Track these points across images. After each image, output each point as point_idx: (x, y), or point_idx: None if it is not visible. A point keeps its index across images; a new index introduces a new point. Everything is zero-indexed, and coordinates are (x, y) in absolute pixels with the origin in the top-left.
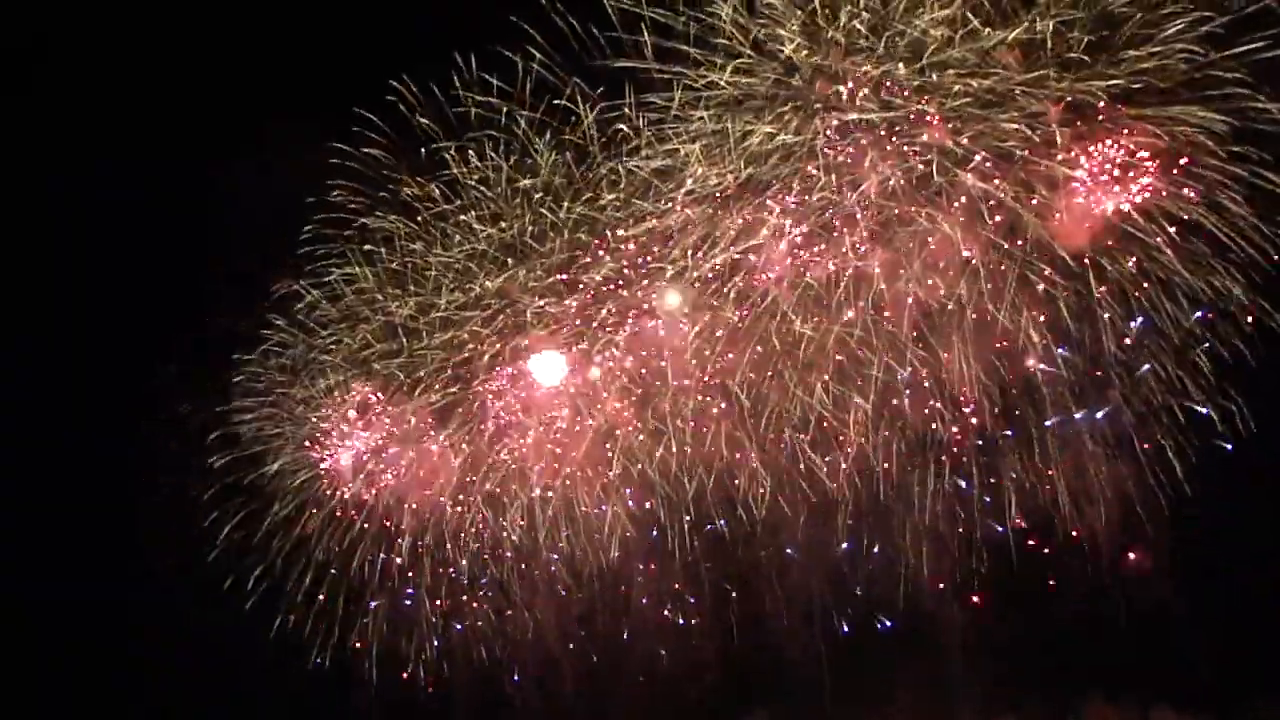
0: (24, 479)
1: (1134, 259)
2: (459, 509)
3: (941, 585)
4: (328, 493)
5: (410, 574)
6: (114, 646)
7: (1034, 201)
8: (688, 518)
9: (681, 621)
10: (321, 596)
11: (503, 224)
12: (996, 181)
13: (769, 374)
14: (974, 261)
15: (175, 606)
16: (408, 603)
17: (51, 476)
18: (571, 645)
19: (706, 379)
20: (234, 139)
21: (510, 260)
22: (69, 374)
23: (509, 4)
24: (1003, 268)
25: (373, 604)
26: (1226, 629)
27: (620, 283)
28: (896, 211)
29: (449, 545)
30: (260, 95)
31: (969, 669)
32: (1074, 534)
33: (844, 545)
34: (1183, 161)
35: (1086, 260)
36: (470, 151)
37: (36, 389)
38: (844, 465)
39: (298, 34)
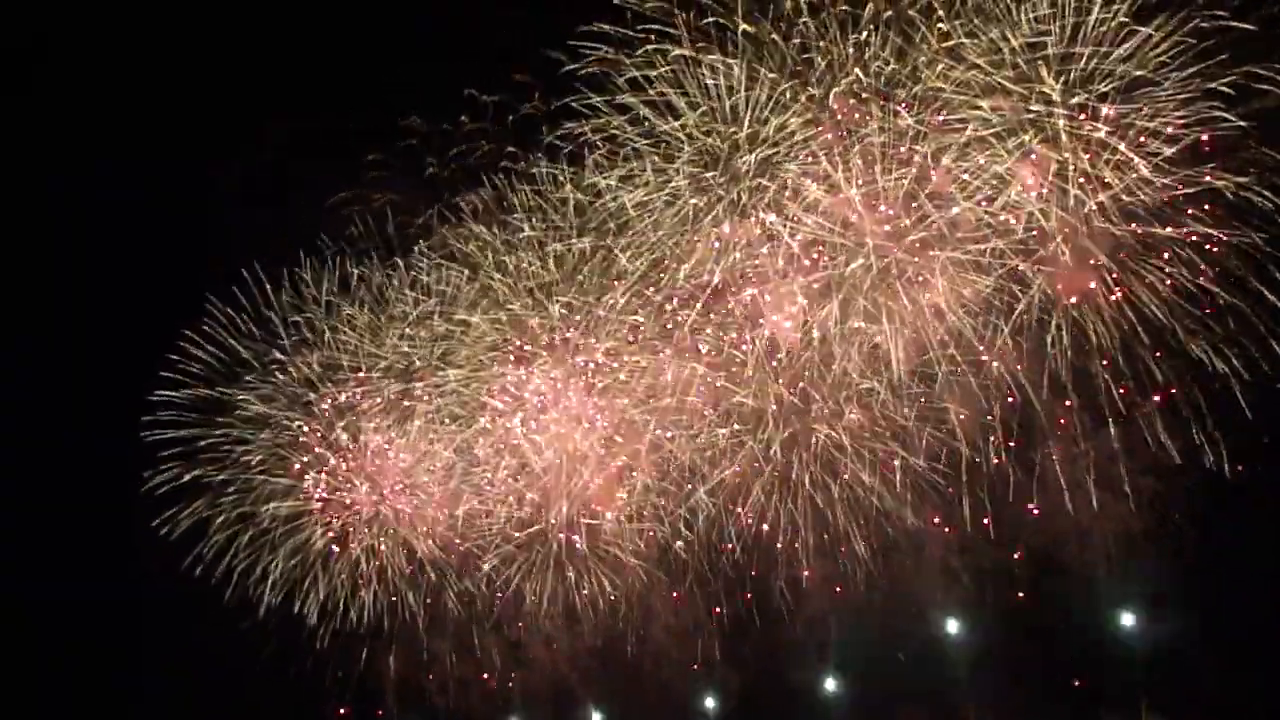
0: (24, 479)
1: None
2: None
3: (950, 612)
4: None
5: (429, 607)
6: (115, 654)
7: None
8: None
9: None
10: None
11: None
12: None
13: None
14: (969, 306)
15: (181, 618)
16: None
17: (52, 476)
18: (586, 676)
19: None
20: (234, 139)
21: (532, 301)
22: (69, 374)
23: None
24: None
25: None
26: (1233, 649)
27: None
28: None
29: (467, 579)
30: (259, 95)
31: (978, 691)
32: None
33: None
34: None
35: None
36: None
37: (36, 389)
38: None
39: (296, 34)
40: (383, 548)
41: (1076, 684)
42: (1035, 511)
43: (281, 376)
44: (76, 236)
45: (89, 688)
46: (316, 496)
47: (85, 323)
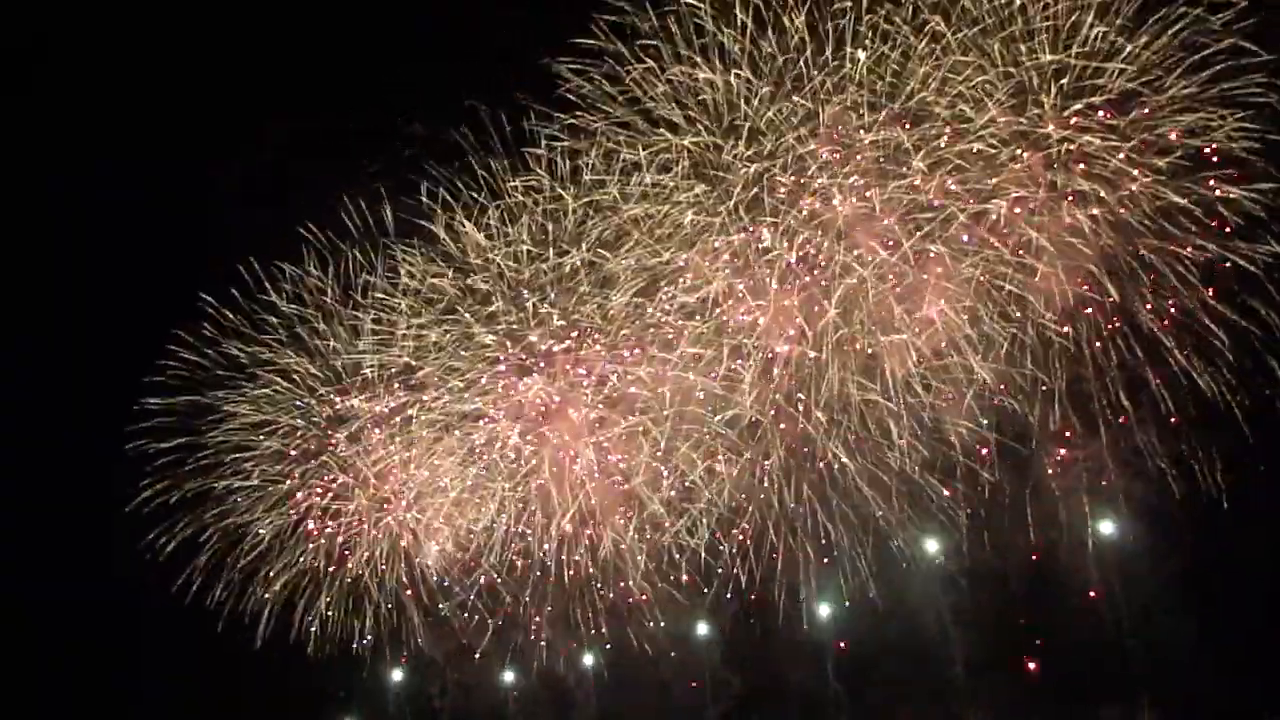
0: (22, 480)
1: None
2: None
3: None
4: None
5: (428, 618)
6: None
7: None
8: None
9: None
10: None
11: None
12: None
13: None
14: (965, 318)
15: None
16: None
17: (50, 478)
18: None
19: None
20: (234, 139)
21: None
22: (69, 374)
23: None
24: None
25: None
26: (1235, 649)
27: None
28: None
29: (468, 589)
30: (259, 95)
31: (978, 691)
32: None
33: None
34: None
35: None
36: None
37: (35, 390)
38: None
39: (296, 34)
40: (382, 559)
41: (1075, 683)
42: (1031, 516)
43: (283, 382)
44: (76, 237)
45: (89, 690)
46: (315, 507)
47: (85, 323)
